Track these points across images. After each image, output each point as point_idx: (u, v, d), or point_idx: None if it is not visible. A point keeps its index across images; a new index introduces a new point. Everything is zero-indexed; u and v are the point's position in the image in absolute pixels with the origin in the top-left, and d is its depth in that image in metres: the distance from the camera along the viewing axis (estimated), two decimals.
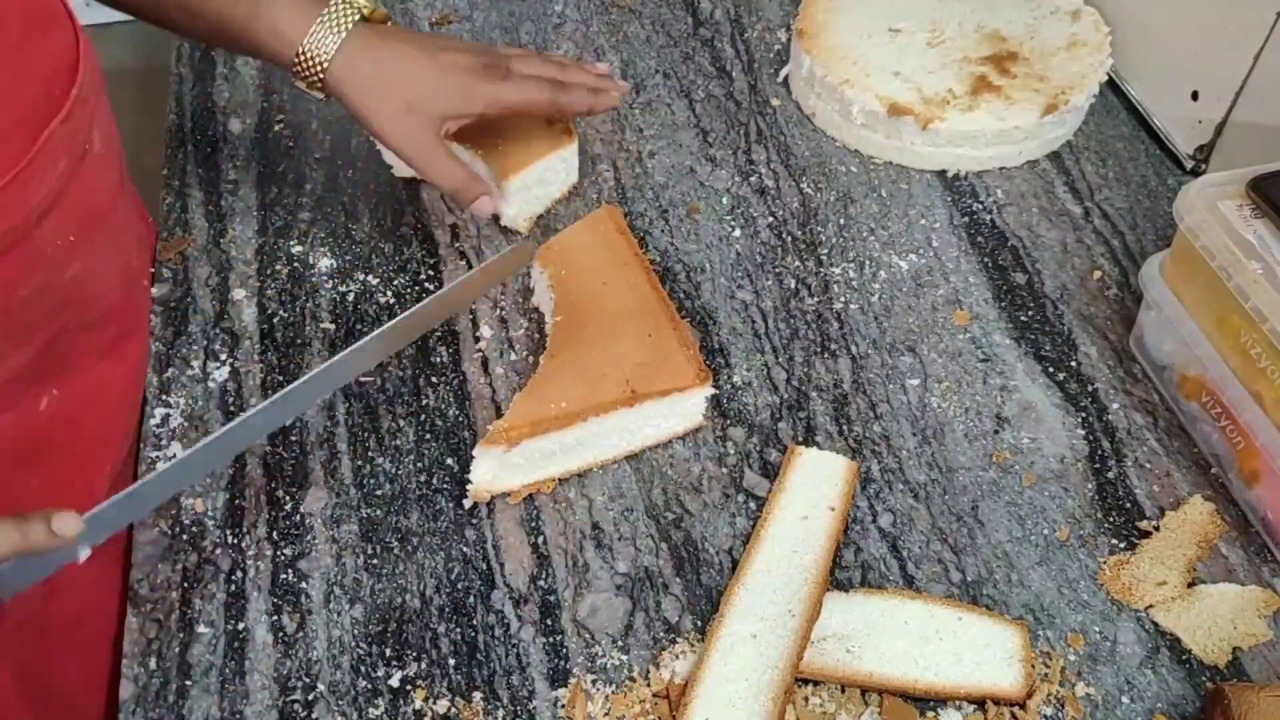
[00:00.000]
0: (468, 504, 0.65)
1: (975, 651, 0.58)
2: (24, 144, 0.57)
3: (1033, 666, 0.58)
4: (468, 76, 0.69)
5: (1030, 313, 0.76)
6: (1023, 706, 0.57)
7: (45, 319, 0.63)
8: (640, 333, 0.67)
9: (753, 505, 0.66)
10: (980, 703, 0.57)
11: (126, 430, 0.71)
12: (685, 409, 0.67)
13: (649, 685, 0.58)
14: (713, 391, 0.68)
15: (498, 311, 0.75)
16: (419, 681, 0.58)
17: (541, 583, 0.62)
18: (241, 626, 0.60)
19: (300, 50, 0.66)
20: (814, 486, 0.65)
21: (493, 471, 0.64)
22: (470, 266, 0.78)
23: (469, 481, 0.65)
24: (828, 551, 0.61)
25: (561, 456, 0.65)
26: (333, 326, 0.74)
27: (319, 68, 0.67)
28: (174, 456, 0.67)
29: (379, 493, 0.66)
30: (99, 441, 0.70)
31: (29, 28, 0.58)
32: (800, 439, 0.69)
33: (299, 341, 0.74)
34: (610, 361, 0.66)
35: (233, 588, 0.62)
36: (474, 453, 0.63)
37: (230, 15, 0.66)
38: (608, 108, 0.77)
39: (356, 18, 0.67)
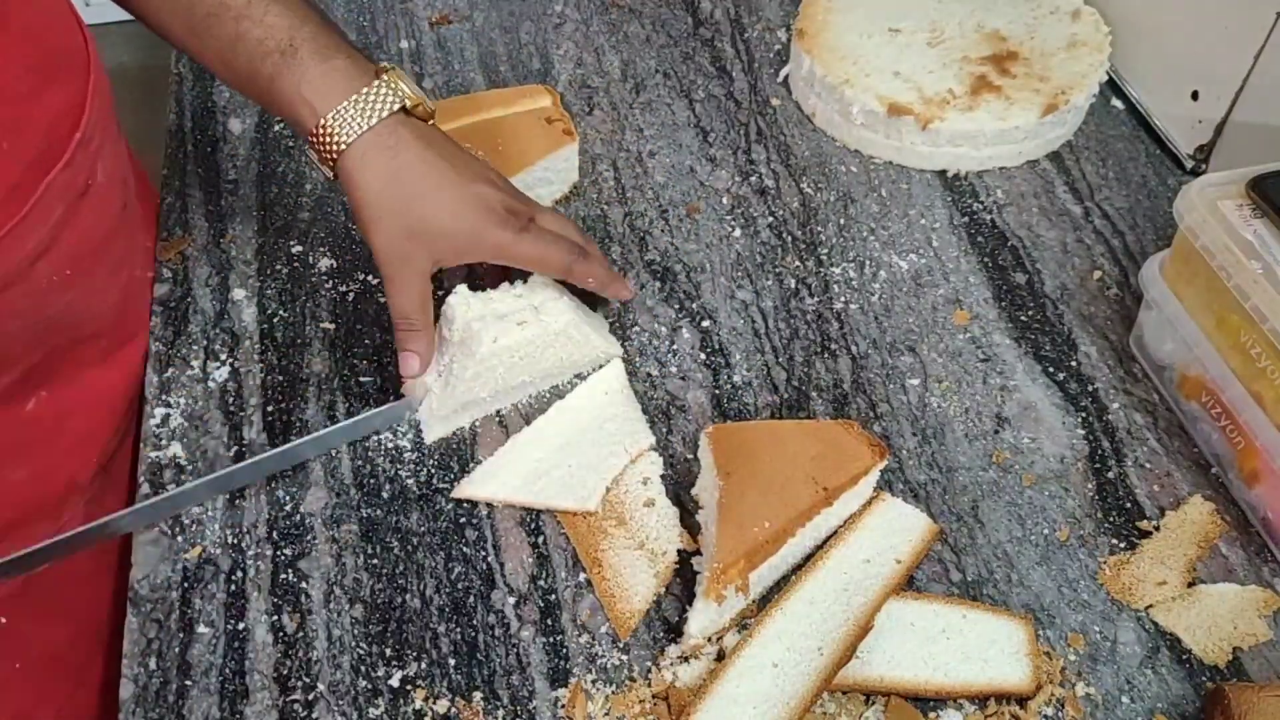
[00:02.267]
0: (684, 650, 0.59)
1: (982, 648, 0.58)
2: (21, 197, 0.55)
3: (1040, 660, 0.58)
4: (483, 218, 0.63)
5: (1030, 313, 0.76)
6: (1023, 706, 0.57)
7: (33, 345, 0.63)
8: (799, 430, 0.63)
9: None
10: (981, 702, 0.57)
11: (116, 427, 0.71)
12: (864, 486, 0.63)
13: (649, 686, 0.58)
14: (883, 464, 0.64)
15: None
16: (419, 681, 0.58)
17: (541, 583, 0.62)
18: (241, 626, 0.60)
19: (321, 124, 0.60)
20: (887, 535, 0.62)
21: (712, 620, 0.58)
22: (471, 268, 0.78)
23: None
24: (879, 601, 0.58)
25: (768, 574, 0.61)
26: (332, 326, 0.74)
27: (335, 149, 0.61)
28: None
29: (379, 493, 0.66)
30: (86, 437, 0.69)
31: (37, 80, 0.56)
32: None
33: (299, 341, 0.74)
34: (787, 465, 0.61)
35: (233, 588, 0.62)
36: (694, 606, 0.58)
37: (258, 71, 0.61)
38: (617, 295, 0.70)
39: (395, 107, 0.61)
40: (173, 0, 0.62)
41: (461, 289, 0.66)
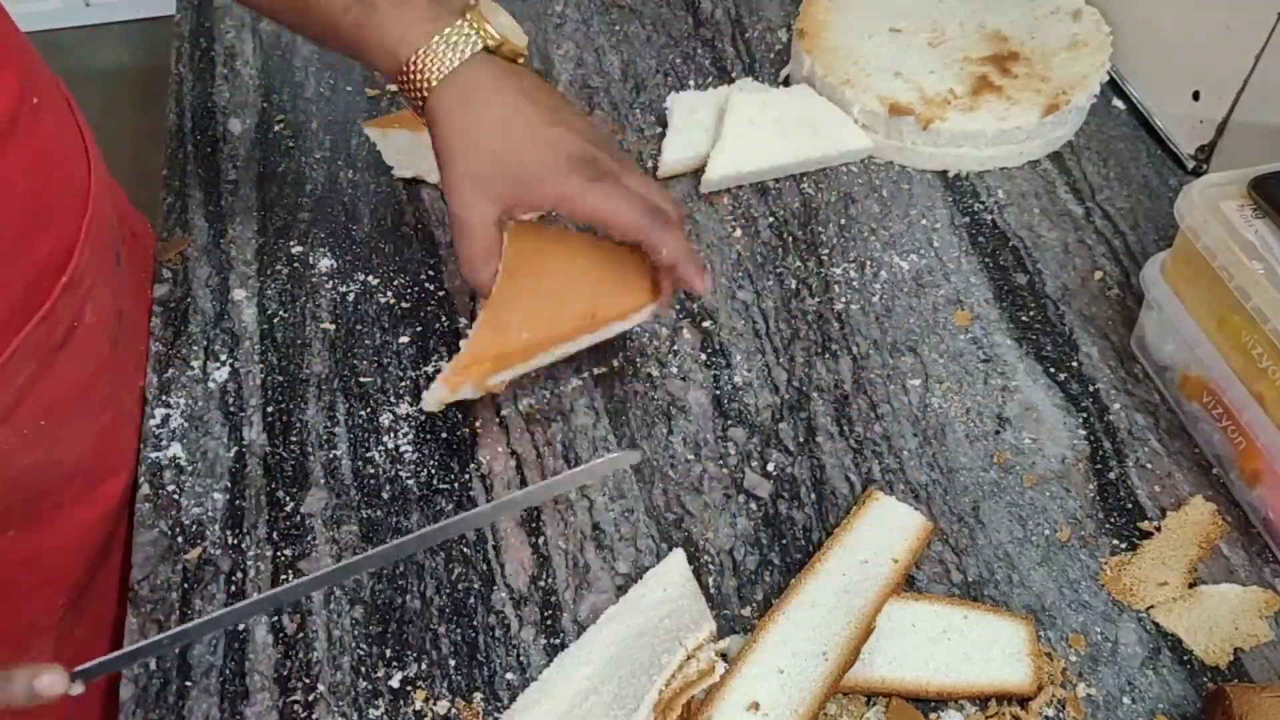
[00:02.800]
0: (423, 408, 0.62)
1: (983, 649, 0.58)
2: None
3: (1041, 660, 0.58)
4: (552, 161, 0.59)
5: (1031, 313, 0.76)
6: (1024, 707, 0.57)
7: (2, 494, 0.57)
8: (595, 249, 0.64)
9: (753, 505, 0.65)
10: (982, 703, 0.57)
11: (89, 564, 0.66)
12: (632, 320, 0.64)
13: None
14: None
15: None
16: (419, 682, 0.58)
17: (542, 583, 0.62)
18: (241, 627, 0.60)
19: (412, 61, 0.58)
20: (882, 535, 0.62)
21: (439, 400, 0.61)
22: None
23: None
24: (879, 601, 0.58)
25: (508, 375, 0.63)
26: (333, 326, 0.74)
27: (425, 85, 0.59)
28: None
29: (379, 493, 0.66)
30: (53, 578, 0.64)
31: (29, 225, 0.51)
32: (801, 439, 0.68)
33: (299, 341, 0.74)
34: (568, 282, 0.62)
35: (233, 588, 0.62)
36: (432, 386, 0.60)
37: (340, 21, 0.59)
38: (689, 284, 0.61)
39: (478, 47, 0.59)
40: None
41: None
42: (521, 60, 0.62)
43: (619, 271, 0.63)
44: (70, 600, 0.66)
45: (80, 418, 0.60)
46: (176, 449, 0.68)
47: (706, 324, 0.75)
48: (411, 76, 0.59)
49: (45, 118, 0.53)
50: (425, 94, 0.59)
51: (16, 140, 0.50)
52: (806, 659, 0.56)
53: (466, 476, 0.67)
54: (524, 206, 0.60)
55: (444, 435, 0.69)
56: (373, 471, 0.67)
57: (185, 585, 0.62)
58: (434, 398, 0.61)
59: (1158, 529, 0.64)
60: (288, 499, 0.66)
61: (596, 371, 0.72)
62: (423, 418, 0.69)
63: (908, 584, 0.62)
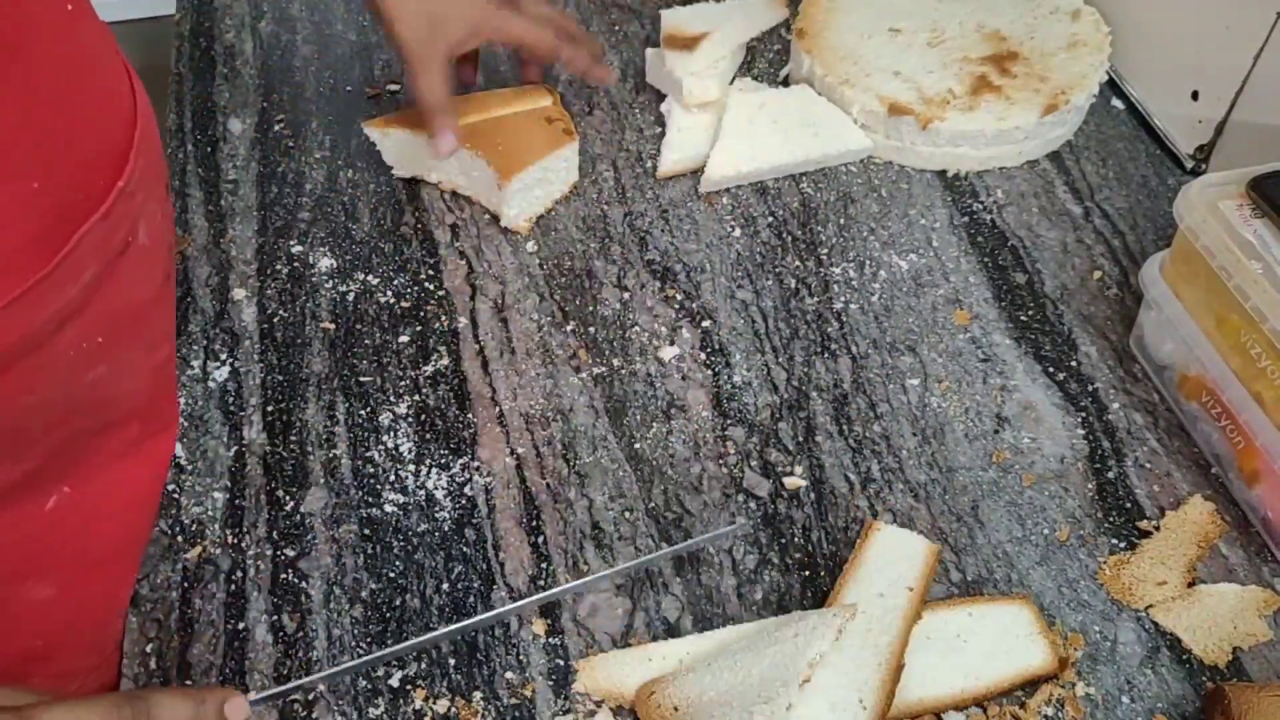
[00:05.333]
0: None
1: (998, 641, 0.58)
2: (49, 249, 0.48)
3: (1053, 636, 0.59)
4: (484, 5, 0.75)
5: (1030, 312, 0.76)
6: (1023, 707, 0.57)
7: (54, 426, 0.55)
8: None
9: (753, 505, 0.66)
10: (982, 704, 0.57)
11: (147, 532, 0.65)
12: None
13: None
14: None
15: (500, 313, 0.75)
16: (419, 681, 0.58)
17: (541, 583, 0.62)
18: (241, 626, 0.60)
19: None
20: (892, 564, 0.61)
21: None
22: (471, 268, 0.78)
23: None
24: (904, 636, 0.57)
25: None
26: (333, 326, 0.75)
27: None
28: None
29: (379, 493, 0.66)
30: (122, 547, 0.62)
31: (73, 112, 0.50)
32: (800, 439, 0.69)
33: (299, 341, 0.74)
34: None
35: (233, 588, 0.62)
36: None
37: None
38: (600, 80, 0.83)
39: None
40: None
41: None
42: None
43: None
44: (138, 574, 0.63)
45: (139, 343, 0.59)
46: (176, 449, 0.68)
47: (706, 323, 0.75)
48: None
49: (82, 24, 0.52)
50: None
51: (54, 20, 0.50)
52: (845, 709, 0.54)
53: (466, 476, 0.67)
54: (466, 43, 0.75)
55: (444, 435, 0.69)
56: (373, 471, 0.67)
57: (185, 585, 0.62)
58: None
59: (1156, 528, 0.64)
60: (288, 498, 0.66)
61: (596, 371, 0.72)
62: (423, 417, 0.69)
63: None
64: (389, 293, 0.76)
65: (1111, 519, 0.65)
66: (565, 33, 0.79)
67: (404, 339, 0.74)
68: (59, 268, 0.48)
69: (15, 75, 0.47)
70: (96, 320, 0.53)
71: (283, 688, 0.54)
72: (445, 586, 0.62)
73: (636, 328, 0.75)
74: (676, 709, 0.55)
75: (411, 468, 0.67)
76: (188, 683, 0.58)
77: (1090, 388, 0.72)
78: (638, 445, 0.68)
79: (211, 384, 0.71)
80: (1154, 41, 0.88)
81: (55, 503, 0.57)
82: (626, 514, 0.65)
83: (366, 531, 0.64)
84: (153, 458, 0.64)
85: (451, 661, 0.59)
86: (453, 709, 0.57)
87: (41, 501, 0.57)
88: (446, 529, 0.64)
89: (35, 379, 0.50)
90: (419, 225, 0.81)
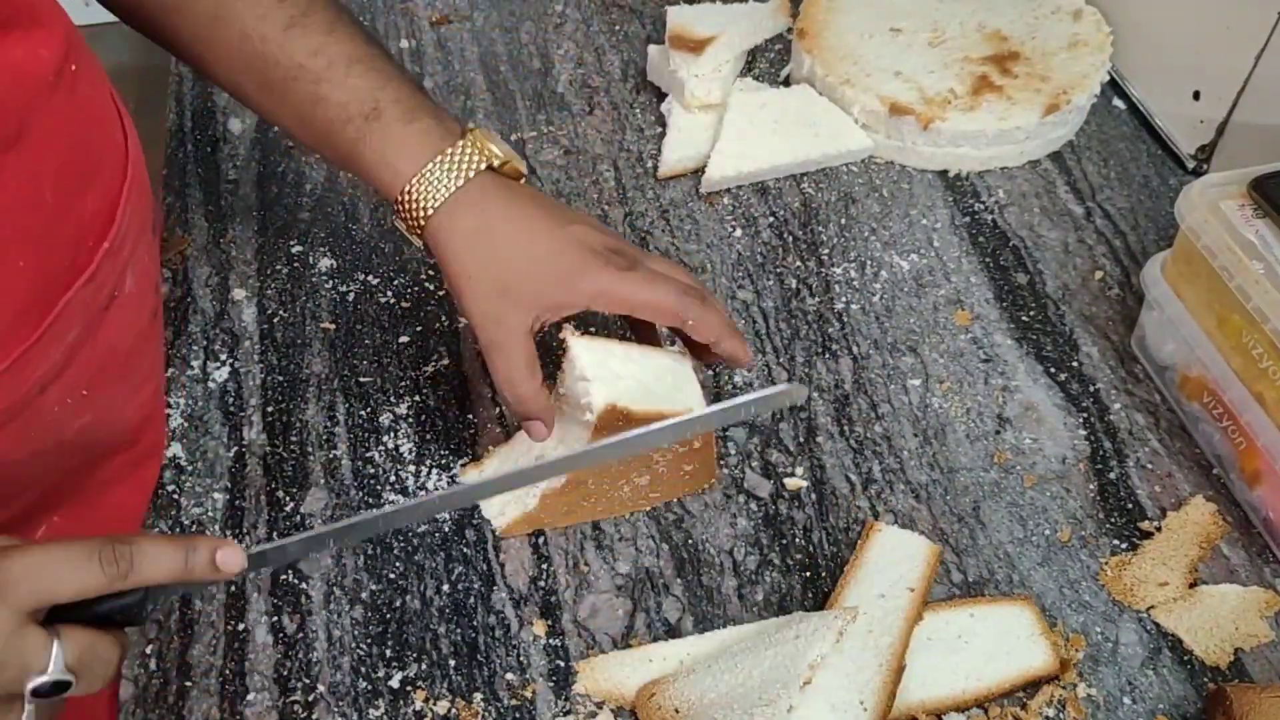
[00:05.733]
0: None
1: (999, 642, 0.58)
2: (34, 319, 0.48)
3: (1055, 636, 0.59)
4: (580, 259, 0.57)
5: (1032, 313, 0.76)
6: (1024, 708, 0.57)
7: (46, 472, 0.57)
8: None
9: (753, 505, 0.65)
10: (983, 705, 0.57)
11: None
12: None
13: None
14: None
15: None
16: (419, 682, 0.58)
17: (542, 583, 0.62)
18: (241, 627, 0.60)
19: (406, 189, 0.56)
20: (893, 565, 0.61)
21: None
22: None
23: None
24: (905, 638, 0.57)
25: None
26: (333, 326, 0.74)
27: (422, 214, 0.56)
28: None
29: (379, 493, 0.66)
30: None
31: (70, 188, 0.50)
32: (801, 439, 0.68)
33: (299, 341, 0.73)
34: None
35: (233, 588, 0.62)
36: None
37: (340, 135, 0.57)
38: (732, 356, 0.61)
39: (481, 166, 0.57)
40: (246, 60, 0.58)
41: (576, 339, 0.59)
42: (523, 180, 0.61)
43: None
44: None
45: (125, 385, 0.60)
46: (176, 449, 0.68)
47: None
48: (407, 203, 0.57)
49: (84, 82, 0.53)
50: (423, 220, 0.57)
51: (59, 99, 0.50)
52: (846, 711, 0.54)
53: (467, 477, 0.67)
54: (556, 308, 0.58)
55: (444, 435, 0.69)
56: (373, 471, 0.67)
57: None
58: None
59: (1158, 529, 0.64)
60: (288, 499, 0.66)
61: None
62: (423, 418, 0.69)
63: None
64: (389, 293, 0.76)
65: (1113, 520, 0.65)
66: (695, 293, 0.59)
67: (404, 339, 0.74)
68: (45, 333, 0.48)
69: (16, 164, 0.46)
70: (81, 373, 0.53)
71: (277, 543, 0.49)
72: (445, 587, 0.62)
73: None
74: (678, 710, 0.55)
75: (411, 468, 0.67)
76: (188, 684, 0.58)
77: (1092, 388, 0.71)
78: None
79: (211, 384, 0.71)
80: (1155, 41, 0.88)
81: (45, 531, 0.58)
82: (627, 514, 0.65)
83: None
84: (141, 482, 0.65)
85: (452, 662, 0.59)
86: (453, 710, 0.57)
87: (32, 531, 0.57)
88: (446, 529, 0.64)
89: (22, 438, 0.51)
90: None
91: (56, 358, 0.51)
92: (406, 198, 0.56)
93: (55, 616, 0.42)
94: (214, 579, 0.45)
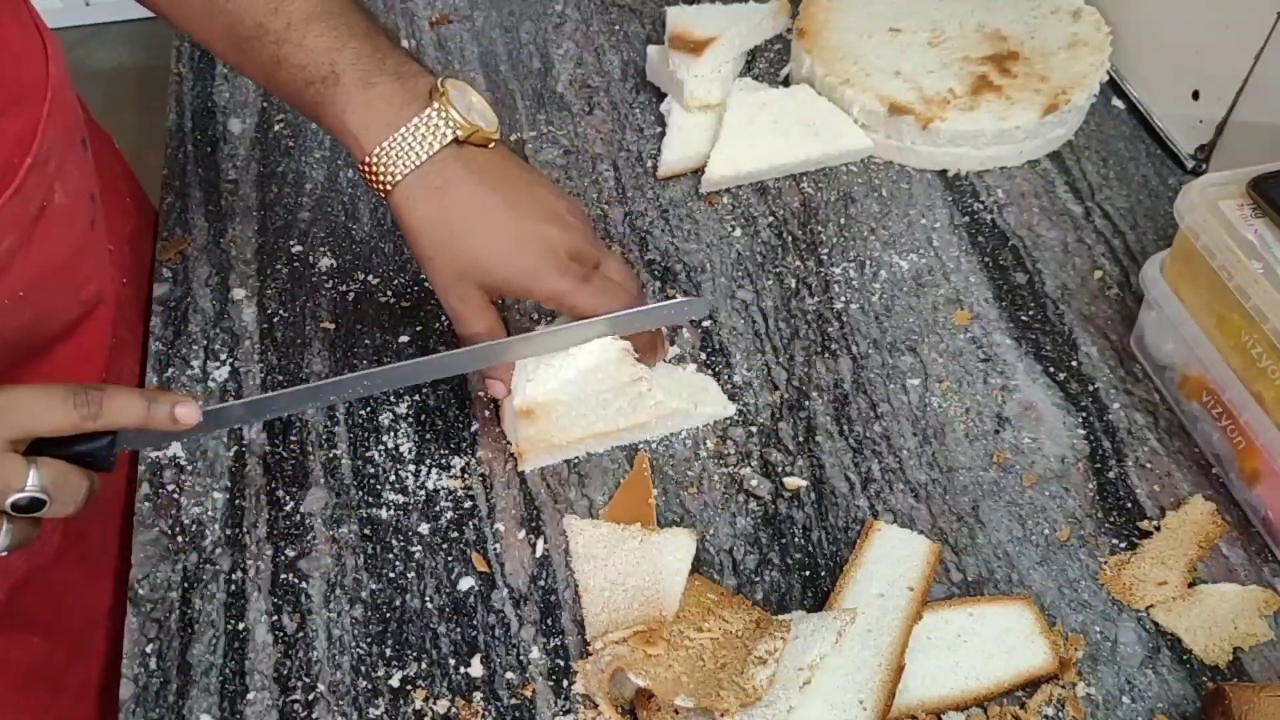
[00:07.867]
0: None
1: (999, 641, 0.58)
2: None
3: (1054, 636, 0.59)
4: (540, 262, 0.59)
5: (1031, 312, 0.76)
6: (1023, 707, 0.57)
7: None
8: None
9: (753, 504, 0.65)
10: (983, 704, 0.57)
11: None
12: None
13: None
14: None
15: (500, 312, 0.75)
16: (419, 681, 0.58)
17: (541, 583, 0.62)
18: (241, 626, 0.60)
19: (367, 160, 0.57)
20: (892, 564, 0.61)
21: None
22: None
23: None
24: (904, 636, 0.57)
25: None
26: (333, 326, 0.74)
27: (384, 186, 0.57)
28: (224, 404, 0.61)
29: (379, 493, 0.66)
30: None
31: None
32: (801, 439, 0.69)
33: (299, 341, 0.74)
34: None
35: (233, 588, 0.62)
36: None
37: (302, 96, 0.58)
38: (647, 362, 0.65)
39: (447, 139, 0.57)
40: (211, 19, 0.58)
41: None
42: (493, 145, 0.60)
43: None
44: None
45: (63, 289, 0.64)
46: (176, 448, 0.68)
47: (706, 323, 0.75)
48: (373, 171, 0.57)
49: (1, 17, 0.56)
50: (389, 187, 0.58)
51: None
52: (844, 710, 0.54)
53: (467, 476, 0.67)
54: (514, 294, 0.65)
55: (444, 435, 0.69)
56: (372, 471, 0.67)
57: (185, 585, 0.62)
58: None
59: (1157, 528, 0.64)
60: (288, 498, 0.66)
61: None
62: (423, 417, 0.69)
63: None
64: (389, 293, 0.76)
65: (1112, 519, 0.65)
66: (635, 303, 0.63)
67: (404, 339, 0.74)
68: None
69: None
70: (18, 279, 0.57)
71: (230, 404, 0.56)
72: (445, 586, 0.62)
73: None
74: (678, 712, 0.55)
75: (411, 468, 0.67)
76: (188, 684, 0.58)
77: (1091, 388, 0.72)
78: (639, 445, 0.68)
79: (211, 384, 0.71)
80: (1154, 41, 0.88)
81: None
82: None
83: (366, 531, 0.64)
84: (84, 377, 0.66)
85: (451, 662, 0.59)
86: (453, 709, 0.57)
87: None
88: (446, 529, 0.64)
89: None
90: None
91: None
92: (368, 168, 0.58)
93: (33, 454, 0.48)
94: (173, 429, 0.51)
